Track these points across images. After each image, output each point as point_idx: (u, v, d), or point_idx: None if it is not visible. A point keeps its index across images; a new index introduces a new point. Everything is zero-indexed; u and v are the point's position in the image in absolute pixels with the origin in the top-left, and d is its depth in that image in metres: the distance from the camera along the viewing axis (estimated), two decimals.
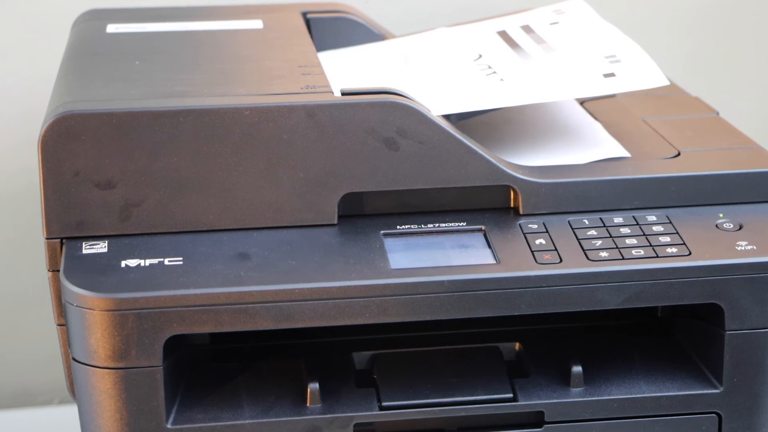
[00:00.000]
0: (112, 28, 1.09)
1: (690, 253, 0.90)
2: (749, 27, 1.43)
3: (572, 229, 0.92)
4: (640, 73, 0.96)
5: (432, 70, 1.03)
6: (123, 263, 0.86)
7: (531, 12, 1.12)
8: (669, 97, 1.12)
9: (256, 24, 1.11)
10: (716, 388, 0.93)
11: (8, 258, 1.36)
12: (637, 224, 0.93)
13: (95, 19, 1.12)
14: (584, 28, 1.05)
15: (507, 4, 1.30)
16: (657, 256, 0.90)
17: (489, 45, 1.06)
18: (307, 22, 1.15)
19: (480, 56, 1.03)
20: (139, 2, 1.25)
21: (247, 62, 1.00)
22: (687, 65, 1.40)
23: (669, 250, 0.90)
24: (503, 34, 1.07)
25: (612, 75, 0.96)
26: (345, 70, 1.07)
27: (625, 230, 0.92)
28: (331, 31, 1.16)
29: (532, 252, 0.90)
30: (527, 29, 1.07)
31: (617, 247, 0.90)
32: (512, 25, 1.09)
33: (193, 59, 1.01)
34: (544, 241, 0.91)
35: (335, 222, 0.91)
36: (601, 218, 0.93)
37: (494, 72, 1.00)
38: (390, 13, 1.32)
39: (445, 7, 1.36)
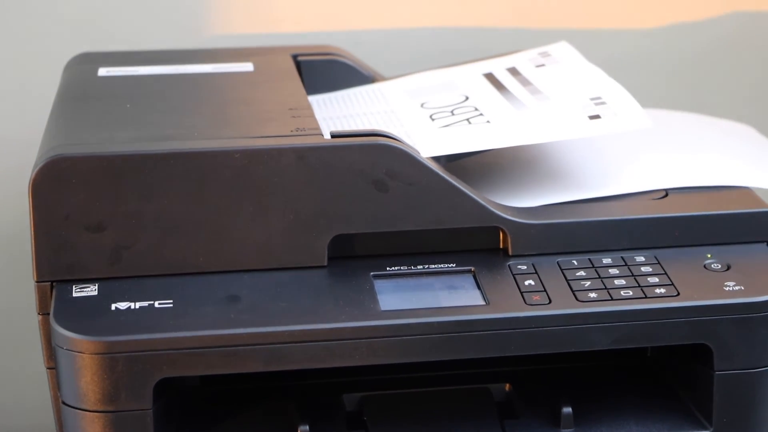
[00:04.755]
0: (103, 71, 1.09)
1: (678, 294, 0.90)
2: (737, 69, 1.44)
3: (561, 270, 0.92)
4: (625, 114, 0.97)
5: (419, 113, 1.04)
6: (113, 306, 0.86)
7: (517, 54, 1.13)
8: None
9: (247, 67, 1.12)
10: (706, 428, 0.93)
11: None
12: (626, 265, 0.93)
13: (87, 62, 1.13)
14: (570, 70, 1.06)
15: (495, 46, 1.31)
16: (645, 297, 0.90)
17: (475, 87, 1.07)
18: (298, 64, 1.15)
19: (466, 98, 1.04)
20: (130, 46, 1.26)
21: (237, 105, 1.01)
22: (677, 103, 1.41)
23: (657, 290, 0.91)
24: (490, 77, 1.08)
25: (597, 117, 0.97)
26: (334, 113, 1.08)
27: (613, 271, 0.92)
28: (321, 73, 1.17)
29: (521, 293, 0.90)
30: (513, 72, 1.08)
31: (606, 288, 0.91)
32: (499, 67, 1.10)
33: (184, 102, 1.02)
34: (533, 282, 0.91)
35: (325, 264, 0.92)
36: (589, 259, 0.94)
37: (480, 114, 1.00)
38: (380, 56, 1.33)
39: (435, 50, 1.37)
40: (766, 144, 1.13)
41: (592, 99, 0.99)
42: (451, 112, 1.02)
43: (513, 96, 1.03)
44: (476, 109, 1.01)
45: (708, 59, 1.43)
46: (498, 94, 1.04)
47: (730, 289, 0.91)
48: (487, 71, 1.10)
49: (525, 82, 1.06)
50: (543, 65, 1.08)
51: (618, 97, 0.99)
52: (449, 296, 0.90)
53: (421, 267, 0.93)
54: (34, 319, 0.90)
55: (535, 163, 1.05)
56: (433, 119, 1.01)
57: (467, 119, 1.00)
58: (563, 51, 1.10)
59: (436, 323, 0.87)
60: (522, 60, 1.11)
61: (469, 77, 1.09)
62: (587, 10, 1.39)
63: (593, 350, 0.90)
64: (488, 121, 0.98)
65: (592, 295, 0.90)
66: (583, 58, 1.08)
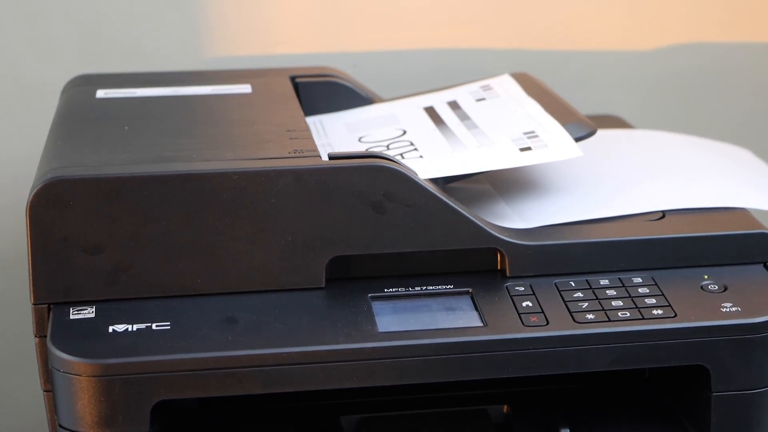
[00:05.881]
0: (101, 93, 1.10)
1: (675, 315, 0.90)
2: (736, 92, 1.45)
3: (559, 291, 0.93)
4: (555, 146, 0.98)
5: (355, 147, 1.04)
6: (110, 328, 0.86)
7: (461, 87, 1.15)
8: None
9: (245, 88, 1.12)
10: None
11: None
12: (623, 286, 0.93)
13: (85, 84, 1.13)
14: (508, 105, 1.08)
15: (492, 67, 1.31)
16: (643, 318, 0.90)
17: (414, 122, 1.08)
18: (296, 86, 1.16)
19: (404, 132, 1.06)
20: (129, 68, 1.26)
21: (235, 127, 1.01)
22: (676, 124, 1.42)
23: (655, 311, 0.91)
24: (430, 110, 1.10)
25: (528, 149, 0.98)
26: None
27: (611, 292, 0.93)
28: (319, 94, 1.17)
29: (518, 314, 0.90)
30: (454, 105, 1.11)
31: (603, 309, 0.91)
32: (440, 101, 1.12)
33: (182, 124, 1.02)
34: (530, 304, 0.91)
35: (323, 285, 0.92)
36: (587, 280, 0.94)
37: (415, 149, 1.02)
38: (377, 77, 1.34)
39: (433, 71, 1.37)
40: (763, 166, 1.14)
41: (526, 133, 1.01)
42: (387, 146, 1.03)
43: (449, 131, 1.05)
44: (411, 144, 1.03)
45: (707, 82, 1.44)
46: (435, 129, 1.06)
47: (727, 310, 0.91)
48: (428, 105, 1.12)
49: (463, 116, 1.08)
50: (483, 99, 1.11)
51: (550, 130, 1.01)
52: (447, 318, 0.90)
53: (418, 288, 0.93)
54: (31, 342, 0.90)
55: (533, 184, 1.05)
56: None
57: (401, 154, 1.01)
58: (504, 85, 1.13)
59: (433, 345, 0.87)
60: (463, 93, 1.13)
61: (410, 111, 1.11)
62: (584, 31, 1.40)
63: (591, 371, 0.90)
64: (421, 156, 0.99)
65: (590, 316, 0.90)
66: (523, 91, 1.09)
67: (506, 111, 1.07)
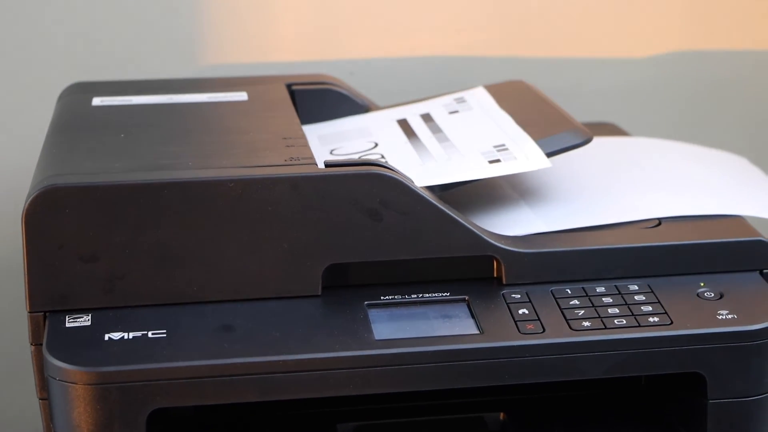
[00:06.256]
0: (97, 101, 1.10)
1: (672, 323, 0.91)
2: (733, 101, 1.45)
3: (555, 298, 0.93)
4: (524, 158, 0.99)
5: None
6: (106, 336, 0.86)
7: (435, 99, 1.15)
8: None
9: (241, 96, 1.12)
10: None
11: None
12: (619, 293, 0.93)
13: (81, 92, 1.13)
14: (480, 117, 1.08)
15: (488, 73, 1.32)
16: (639, 326, 0.90)
17: (387, 134, 1.09)
18: (292, 93, 1.16)
19: (376, 145, 1.06)
20: (124, 75, 1.26)
21: (231, 134, 1.01)
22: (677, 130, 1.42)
23: (651, 319, 0.91)
24: (403, 123, 1.11)
25: (497, 161, 0.98)
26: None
27: (607, 300, 0.93)
28: (315, 102, 1.17)
29: (515, 322, 0.90)
30: (427, 118, 1.11)
31: (599, 317, 0.91)
32: (413, 113, 1.13)
33: (178, 132, 1.02)
34: (527, 311, 0.91)
35: (319, 293, 0.92)
36: (583, 288, 0.94)
37: (385, 162, 1.02)
38: (374, 84, 1.34)
39: (429, 78, 1.38)
40: (759, 174, 1.14)
41: (496, 146, 1.01)
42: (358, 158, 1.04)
43: (421, 143, 1.05)
44: (382, 157, 1.03)
45: (703, 90, 1.44)
46: (407, 142, 1.06)
47: (723, 317, 0.91)
48: (401, 117, 1.12)
49: (435, 129, 1.08)
50: (456, 111, 1.11)
51: (520, 142, 1.01)
52: (443, 325, 0.90)
53: (415, 296, 0.93)
54: (27, 350, 0.90)
55: (529, 192, 1.05)
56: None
57: None
58: (478, 97, 1.13)
59: (430, 352, 0.87)
60: (437, 106, 1.14)
61: (383, 123, 1.12)
62: (580, 38, 1.40)
63: (587, 379, 0.90)
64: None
65: (586, 323, 0.90)
66: (496, 104, 1.10)
67: (478, 124, 1.07)
